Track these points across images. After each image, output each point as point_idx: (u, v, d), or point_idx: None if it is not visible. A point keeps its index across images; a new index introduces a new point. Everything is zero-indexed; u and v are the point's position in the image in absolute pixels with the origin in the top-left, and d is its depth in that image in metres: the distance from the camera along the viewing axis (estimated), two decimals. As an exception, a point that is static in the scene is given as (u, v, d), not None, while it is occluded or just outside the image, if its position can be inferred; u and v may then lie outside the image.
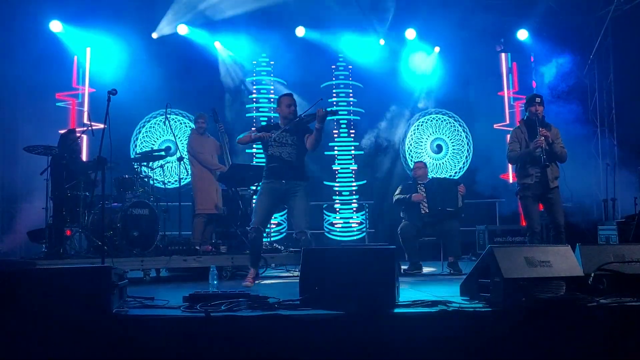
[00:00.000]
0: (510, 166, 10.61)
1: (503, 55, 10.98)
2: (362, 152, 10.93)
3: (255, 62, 10.82)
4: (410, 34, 10.71)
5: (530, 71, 11.07)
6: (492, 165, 10.49)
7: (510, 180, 10.61)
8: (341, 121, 10.97)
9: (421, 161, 8.03)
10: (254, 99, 10.79)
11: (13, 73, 9.46)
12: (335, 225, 10.79)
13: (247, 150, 10.30)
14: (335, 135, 10.91)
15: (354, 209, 10.84)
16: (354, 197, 10.86)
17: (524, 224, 10.13)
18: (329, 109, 5.40)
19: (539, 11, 10.57)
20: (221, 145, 7.74)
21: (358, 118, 10.94)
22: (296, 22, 10.52)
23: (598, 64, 10.96)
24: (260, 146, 7.57)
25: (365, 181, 10.91)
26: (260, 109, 10.77)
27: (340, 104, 10.97)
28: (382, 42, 10.72)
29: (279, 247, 7.87)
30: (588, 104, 11.09)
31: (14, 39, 9.61)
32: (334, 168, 10.90)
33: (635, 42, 9.99)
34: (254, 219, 5.57)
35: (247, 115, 10.61)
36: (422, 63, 10.91)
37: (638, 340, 3.51)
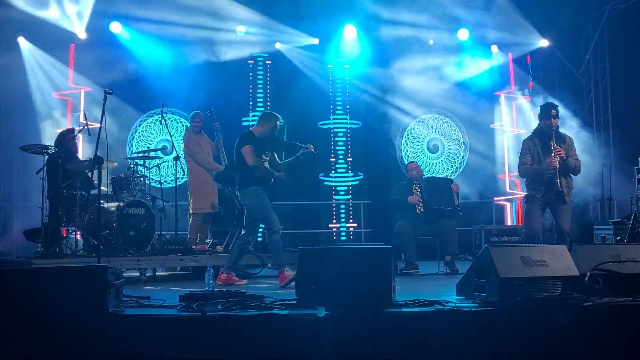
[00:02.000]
0: (506, 167, 10.63)
1: (500, 55, 10.98)
2: (359, 152, 10.92)
3: (252, 62, 10.81)
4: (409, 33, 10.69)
5: (526, 71, 11.07)
6: (489, 165, 10.49)
7: (507, 181, 10.62)
8: (340, 122, 11.00)
9: (414, 162, 8.04)
10: (251, 99, 10.78)
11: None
12: (333, 225, 10.79)
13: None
14: (333, 135, 10.94)
15: (350, 208, 10.83)
16: (350, 196, 10.85)
17: (520, 223, 10.19)
18: (315, 151, 6.04)
19: (535, 11, 10.57)
20: (217, 144, 7.74)
21: (358, 123, 10.94)
22: (294, 21, 10.51)
23: (594, 64, 10.98)
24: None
25: (362, 175, 10.88)
26: (259, 109, 10.76)
27: (338, 103, 11.00)
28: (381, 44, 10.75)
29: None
30: (584, 104, 11.12)
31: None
32: (332, 167, 10.92)
33: (631, 42, 10.02)
34: (277, 220, 5.91)
35: (244, 118, 10.54)
36: (420, 62, 10.89)
37: (633, 339, 3.52)
